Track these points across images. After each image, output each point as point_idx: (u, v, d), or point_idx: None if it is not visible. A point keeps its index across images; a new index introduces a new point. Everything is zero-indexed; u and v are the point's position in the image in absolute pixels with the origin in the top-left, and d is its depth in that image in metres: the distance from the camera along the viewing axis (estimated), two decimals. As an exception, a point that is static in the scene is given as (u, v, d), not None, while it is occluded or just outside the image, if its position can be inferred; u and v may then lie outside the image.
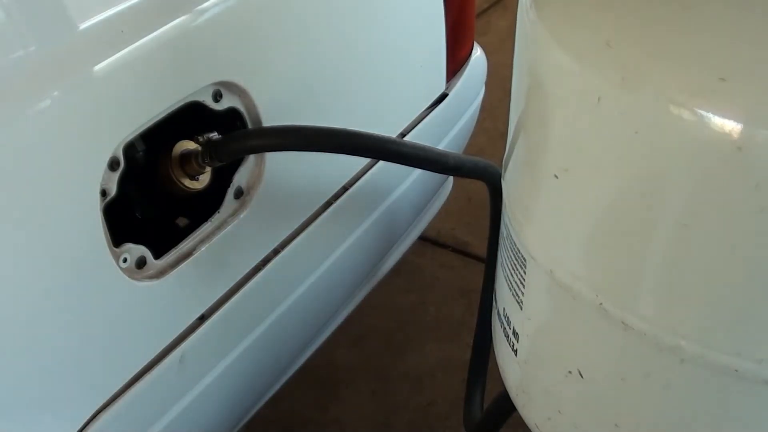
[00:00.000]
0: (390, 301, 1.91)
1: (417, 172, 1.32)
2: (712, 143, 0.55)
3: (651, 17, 0.61)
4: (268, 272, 1.06)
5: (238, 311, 1.03)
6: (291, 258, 1.09)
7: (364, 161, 1.20)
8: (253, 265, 1.05)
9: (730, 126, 0.54)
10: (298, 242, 1.10)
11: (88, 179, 0.81)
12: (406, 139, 1.28)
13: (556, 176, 0.68)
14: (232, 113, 0.97)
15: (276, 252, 1.08)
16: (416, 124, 1.31)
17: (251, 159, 1.01)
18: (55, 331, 0.81)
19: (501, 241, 0.87)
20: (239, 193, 1.00)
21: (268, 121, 0.99)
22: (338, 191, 1.17)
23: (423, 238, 1.97)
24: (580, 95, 0.63)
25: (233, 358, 1.04)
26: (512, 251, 0.80)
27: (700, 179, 0.57)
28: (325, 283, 1.19)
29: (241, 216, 1.00)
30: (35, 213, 0.77)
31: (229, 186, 0.99)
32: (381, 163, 1.22)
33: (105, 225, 0.84)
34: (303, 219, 1.12)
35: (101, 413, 0.87)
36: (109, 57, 0.82)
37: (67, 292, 0.82)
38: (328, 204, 1.15)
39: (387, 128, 1.20)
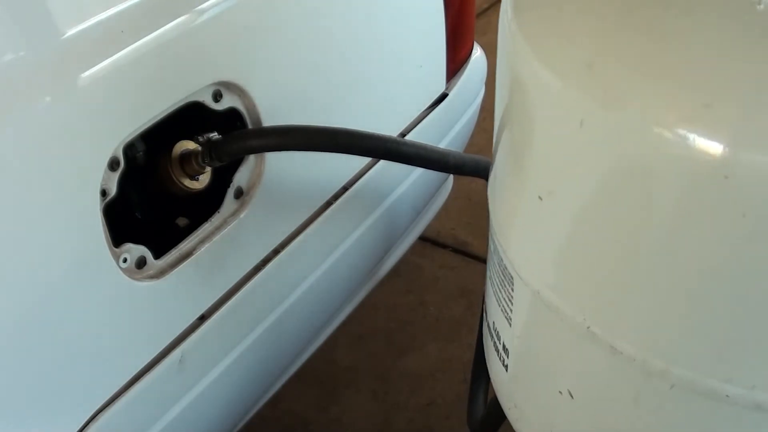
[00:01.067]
0: (390, 301, 1.91)
1: (417, 172, 1.32)
2: (698, 171, 0.54)
3: (634, 38, 0.60)
4: (268, 272, 1.06)
5: (238, 311, 1.03)
6: (291, 258, 1.09)
7: (364, 161, 1.20)
8: (253, 265, 1.05)
9: (717, 153, 0.52)
10: (298, 242, 1.10)
11: (88, 179, 0.81)
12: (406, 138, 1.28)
13: (540, 198, 0.67)
14: (232, 113, 0.97)
15: (276, 252, 1.08)
16: (416, 124, 1.31)
17: (251, 159, 1.01)
18: (55, 330, 0.81)
19: (489, 255, 0.85)
20: (239, 193, 1.00)
21: (268, 121, 0.99)
22: (338, 191, 1.17)
23: (423, 238, 1.97)
24: (563, 118, 0.61)
25: (233, 358, 1.04)
26: (500, 267, 0.79)
27: (686, 207, 0.56)
28: (325, 283, 1.19)
29: (241, 216, 1.00)
30: (35, 213, 0.77)
31: (229, 186, 0.99)
32: (381, 162, 1.22)
33: (105, 225, 0.84)
34: (303, 219, 1.12)
35: (101, 413, 0.87)
36: (109, 57, 0.81)
37: (67, 292, 0.81)
38: (328, 204, 1.15)
39: (387, 128, 1.20)
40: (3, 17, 0.79)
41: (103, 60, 0.81)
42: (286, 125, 0.99)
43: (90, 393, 0.87)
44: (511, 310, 0.78)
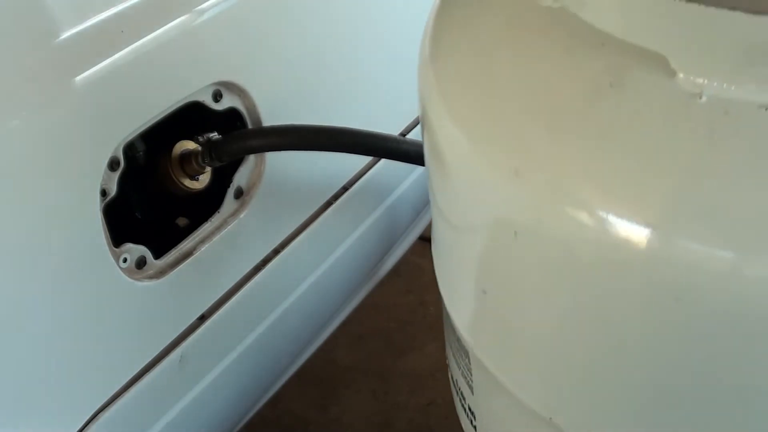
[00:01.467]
0: (390, 301, 1.91)
1: (417, 172, 1.32)
2: (641, 290, 0.50)
3: (566, 141, 0.53)
4: (268, 272, 1.06)
5: (238, 311, 1.03)
6: (291, 258, 1.09)
7: (365, 160, 1.20)
8: (253, 265, 1.05)
9: (665, 276, 0.49)
10: (298, 242, 1.10)
11: (88, 179, 0.81)
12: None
13: (484, 291, 0.63)
14: (232, 113, 0.97)
15: (276, 252, 1.07)
16: (416, 125, 1.31)
17: (251, 159, 1.01)
18: (54, 331, 0.81)
19: (444, 316, 0.79)
20: (239, 193, 1.00)
21: (268, 121, 0.99)
22: (338, 191, 1.17)
23: (423, 238, 1.97)
24: (495, 228, 0.58)
25: (233, 358, 1.04)
26: (454, 335, 0.74)
27: (629, 319, 0.53)
28: (326, 282, 1.19)
29: (241, 216, 1.00)
30: (35, 213, 0.77)
31: (229, 186, 0.99)
32: (381, 162, 1.22)
33: (105, 225, 0.84)
34: (303, 219, 1.12)
35: (101, 413, 0.87)
36: (109, 57, 0.81)
37: (66, 292, 0.81)
38: (329, 204, 1.15)
39: (386, 128, 1.20)
40: (3, 17, 0.79)
41: (104, 59, 0.81)
42: (287, 125, 0.99)
43: (90, 393, 0.87)
44: (471, 380, 0.74)
